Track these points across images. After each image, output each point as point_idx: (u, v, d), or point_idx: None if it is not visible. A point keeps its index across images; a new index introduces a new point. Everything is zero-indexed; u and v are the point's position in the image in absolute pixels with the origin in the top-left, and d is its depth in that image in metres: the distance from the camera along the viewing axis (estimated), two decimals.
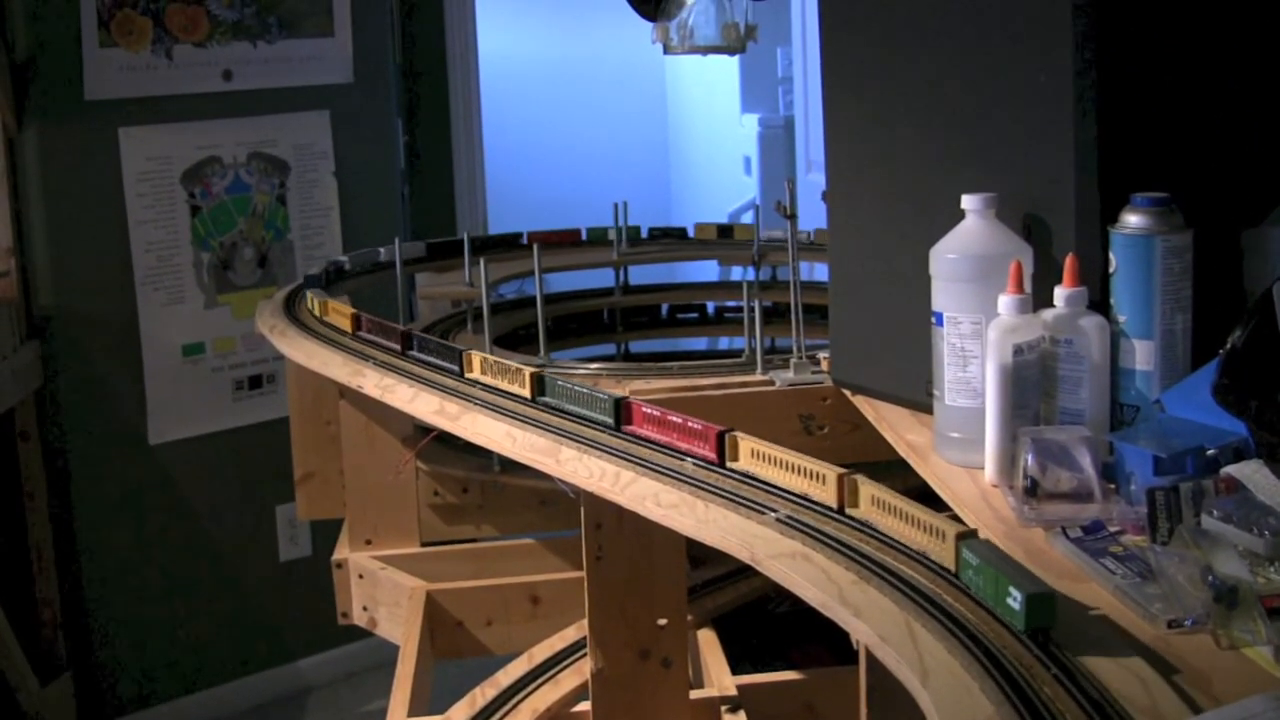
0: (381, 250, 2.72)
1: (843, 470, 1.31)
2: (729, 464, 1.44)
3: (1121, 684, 0.94)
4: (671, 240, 3.00)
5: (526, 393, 1.73)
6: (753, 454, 1.42)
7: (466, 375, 1.85)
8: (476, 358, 1.84)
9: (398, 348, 2.00)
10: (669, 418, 1.51)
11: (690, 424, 1.48)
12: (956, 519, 1.22)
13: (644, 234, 3.00)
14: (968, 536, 1.14)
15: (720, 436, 1.44)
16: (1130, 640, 1.01)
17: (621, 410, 1.58)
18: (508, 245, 2.89)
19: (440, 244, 2.82)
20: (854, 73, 1.65)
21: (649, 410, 1.54)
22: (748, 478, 1.41)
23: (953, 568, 1.14)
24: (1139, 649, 0.99)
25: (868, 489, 1.28)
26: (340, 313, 2.18)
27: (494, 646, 2.16)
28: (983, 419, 1.33)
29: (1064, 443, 1.26)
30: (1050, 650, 0.99)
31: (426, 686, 2.03)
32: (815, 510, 1.31)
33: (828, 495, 1.32)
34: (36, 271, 3.06)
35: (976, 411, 1.36)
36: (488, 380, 1.80)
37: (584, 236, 2.95)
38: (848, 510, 1.30)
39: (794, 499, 1.35)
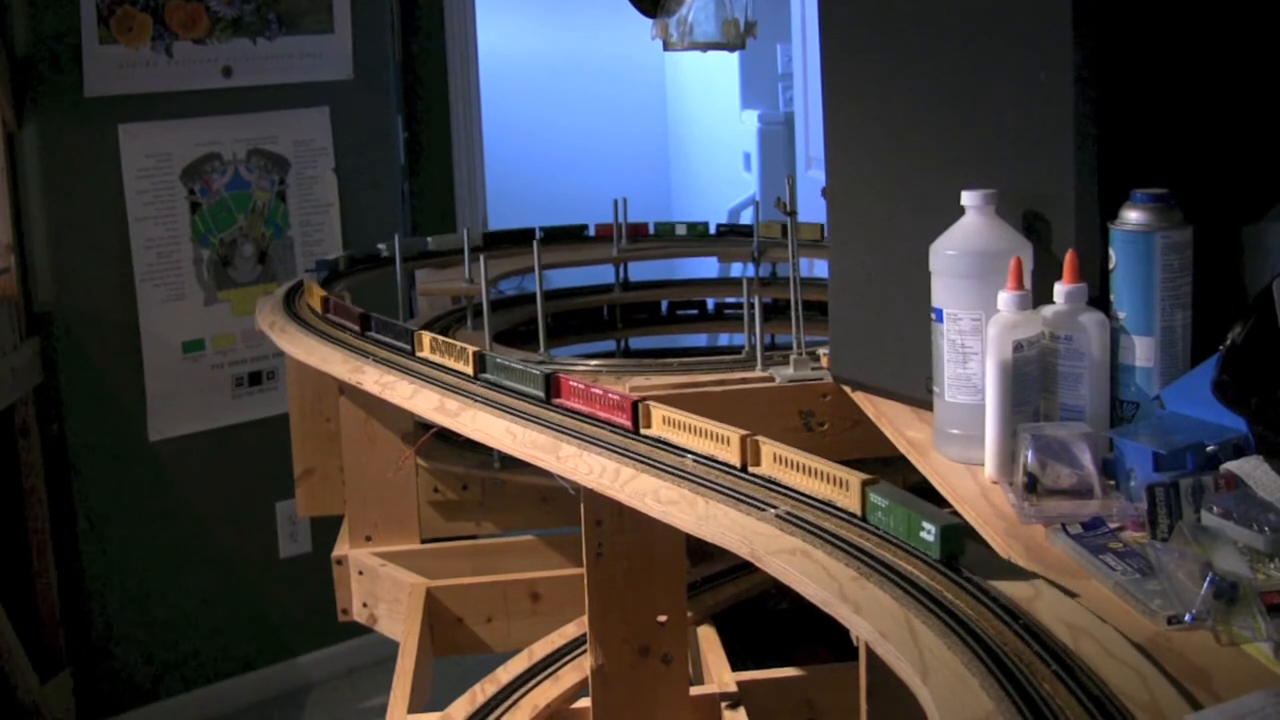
0: (430, 239, 2.78)
1: (745, 433, 1.42)
2: (643, 430, 1.56)
3: (1121, 680, 0.94)
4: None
5: (470, 370, 1.85)
6: (664, 421, 1.54)
7: (417, 354, 1.97)
8: (426, 338, 1.95)
9: (357, 328, 2.14)
10: (592, 390, 1.63)
11: (610, 395, 1.60)
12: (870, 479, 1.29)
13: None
14: (872, 483, 1.25)
15: (634, 406, 1.56)
16: (1130, 637, 1.01)
17: (551, 384, 1.70)
18: (572, 237, 2.95)
19: (502, 233, 2.87)
20: (854, 69, 1.65)
21: (575, 384, 1.67)
22: (660, 442, 1.52)
23: (859, 513, 1.25)
24: (1139, 645, 0.99)
25: (769, 448, 1.39)
26: (314, 294, 2.30)
27: (494, 643, 2.16)
28: (983, 415, 1.33)
29: (1064, 439, 1.26)
30: (1046, 643, 1.00)
31: (426, 683, 2.03)
32: (720, 469, 1.42)
33: (732, 455, 1.43)
34: (36, 268, 3.06)
35: (976, 408, 1.36)
36: (436, 359, 1.93)
37: (651, 230, 2.97)
38: (750, 468, 1.41)
39: (701, 459, 1.46)
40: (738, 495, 1.36)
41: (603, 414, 1.61)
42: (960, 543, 1.16)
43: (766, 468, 1.40)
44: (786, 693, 1.85)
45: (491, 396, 1.77)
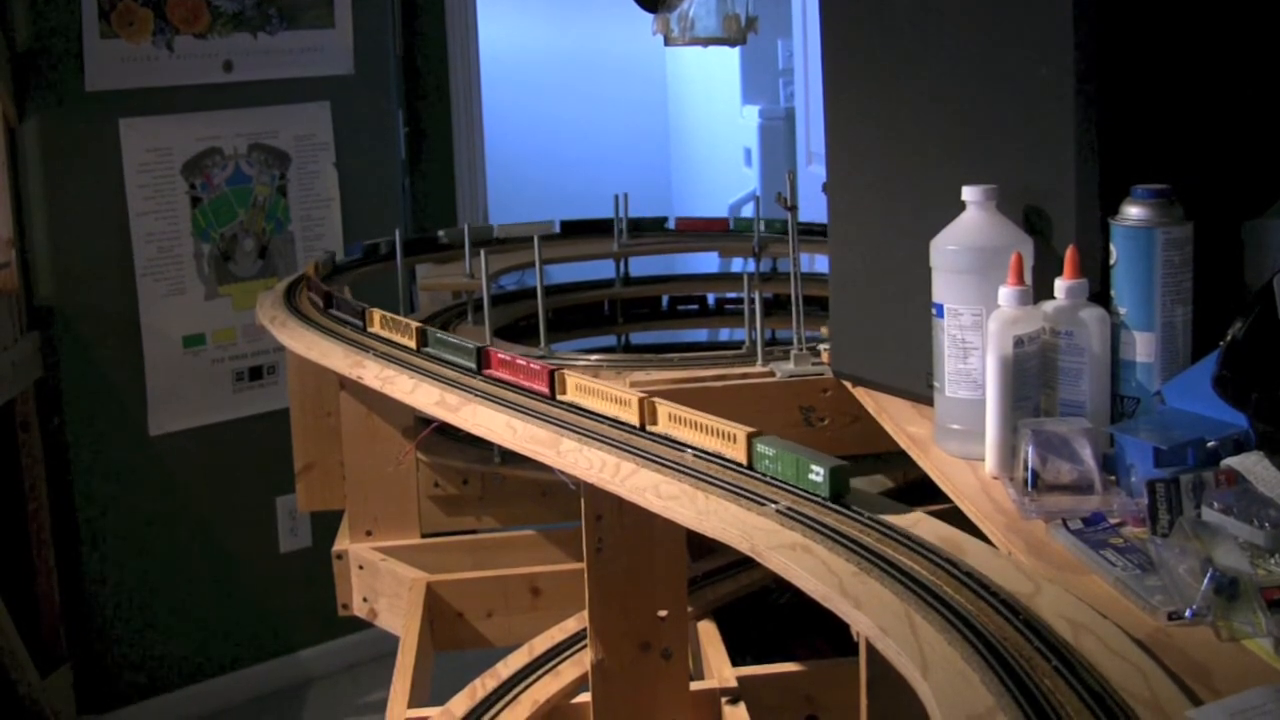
0: (495, 227, 2.82)
1: (643, 395, 1.56)
2: (558, 396, 1.71)
3: (1121, 676, 0.94)
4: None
5: (414, 344, 2.00)
6: (576, 388, 1.69)
7: (369, 330, 2.10)
8: (377, 315, 2.09)
9: (321, 304, 2.30)
10: (516, 361, 1.79)
11: (531, 365, 1.75)
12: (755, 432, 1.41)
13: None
14: (757, 434, 1.38)
15: (550, 374, 1.71)
16: (1130, 632, 1.01)
17: (482, 356, 1.86)
18: (654, 229, 2.95)
19: (579, 223, 2.89)
20: (855, 65, 1.65)
21: (502, 356, 1.83)
22: (573, 407, 1.67)
23: (746, 462, 1.39)
24: (1139, 641, 0.99)
25: (665, 408, 1.53)
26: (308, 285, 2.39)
27: (494, 638, 2.16)
28: (983, 411, 1.33)
29: (1064, 435, 1.26)
30: (1046, 638, 1.00)
31: (427, 678, 2.03)
32: (621, 428, 1.57)
33: (632, 415, 1.57)
34: (37, 263, 3.06)
35: (977, 403, 1.36)
36: (385, 334, 2.06)
37: (731, 226, 2.97)
38: (649, 427, 1.55)
39: (604, 420, 1.61)
40: (738, 490, 1.36)
41: (525, 382, 1.76)
42: (846, 482, 1.30)
43: (663, 425, 1.54)
44: (787, 688, 1.85)
45: (435, 369, 1.91)
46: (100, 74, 3.05)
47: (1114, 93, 1.33)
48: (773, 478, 1.36)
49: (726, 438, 1.42)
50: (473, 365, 1.87)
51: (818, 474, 1.31)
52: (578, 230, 2.94)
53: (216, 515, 3.37)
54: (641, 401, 1.55)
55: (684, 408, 1.51)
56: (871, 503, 1.30)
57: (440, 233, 2.84)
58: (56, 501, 3.11)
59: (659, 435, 1.53)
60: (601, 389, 1.64)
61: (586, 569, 1.66)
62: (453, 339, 1.94)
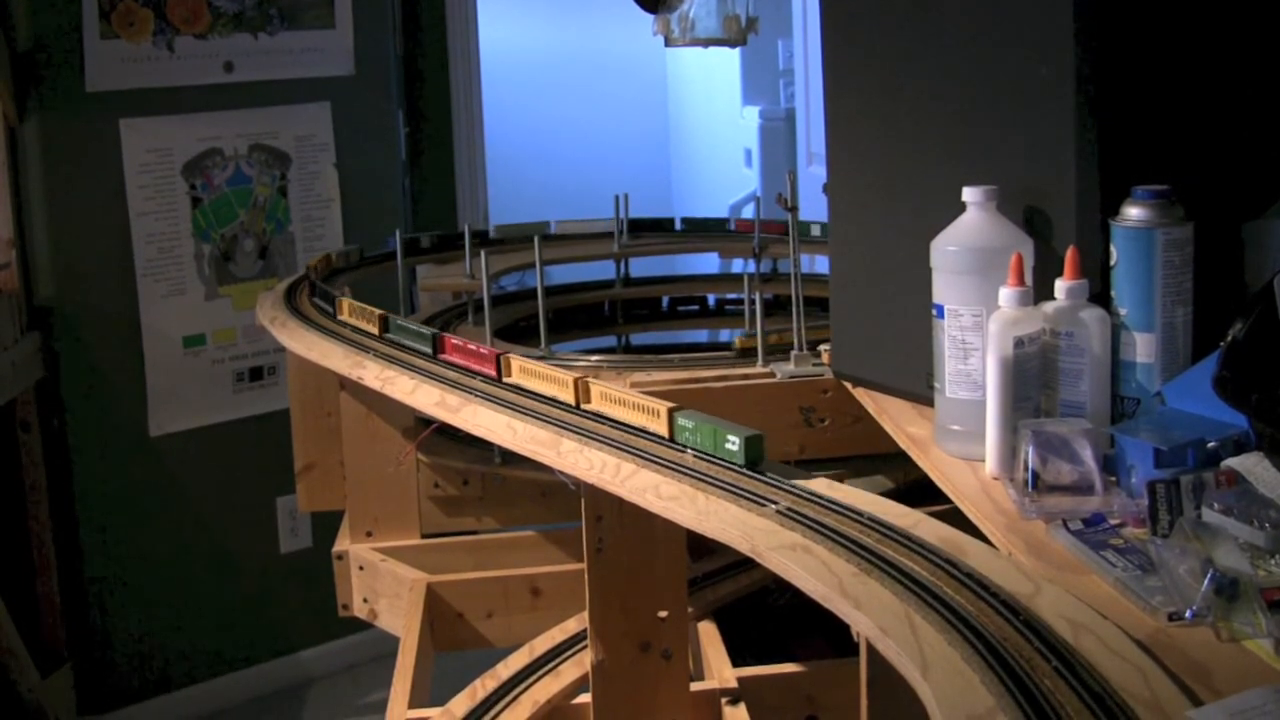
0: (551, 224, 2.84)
1: (578, 375, 1.67)
2: (505, 379, 1.81)
3: (1121, 676, 0.94)
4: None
5: (376, 330, 2.10)
6: (520, 370, 1.79)
7: (338, 318, 2.21)
8: (345, 303, 2.20)
9: (306, 292, 2.42)
10: (468, 346, 1.89)
11: (481, 350, 1.85)
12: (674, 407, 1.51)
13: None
14: (678, 409, 1.48)
15: (497, 358, 1.81)
16: (1130, 633, 1.01)
17: (437, 342, 1.95)
18: (714, 229, 2.98)
19: (643, 221, 2.90)
20: (855, 65, 1.65)
21: (455, 342, 1.92)
22: (517, 388, 1.77)
23: (667, 435, 1.49)
24: (1139, 642, 1.00)
25: (598, 387, 1.64)
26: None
27: (495, 638, 2.16)
28: (983, 411, 1.33)
29: (1065, 435, 1.26)
30: (1046, 639, 1.00)
31: (427, 678, 2.03)
32: (559, 406, 1.67)
33: (568, 395, 1.67)
34: (37, 263, 3.06)
35: (977, 404, 1.36)
36: (352, 321, 2.16)
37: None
38: (583, 405, 1.65)
39: (543, 399, 1.71)
40: (738, 491, 1.36)
41: (475, 365, 1.87)
42: (761, 451, 1.40)
43: (596, 404, 1.64)
44: (787, 688, 1.85)
45: (395, 353, 2.03)
46: (101, 74, 3.05)
47: (1114, 93, 1.33)
48: (693, 448, 1.46)
49: (650, 413, 1.52)
50: (429, 350, 1.96)
51: (733, 443, 1.41)
52: (640, 228, 2.96)
53: (217, 516, 3.37)
54: (576, 381, 1.66)
55: (614, 387, 1.62)
56: (784, 471, 1.39)
57: (492, 228, 2.89)
58: (57, 502, 3.11)
59: (592, 412, 1.63)
60: (542, 370, 1.74)
61: (587, 569, 1.66)
62: (411, 325, 2.04)
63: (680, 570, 1.72)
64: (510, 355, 1.81)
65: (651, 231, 2.98)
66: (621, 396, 1.58)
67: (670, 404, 1.49)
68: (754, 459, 1.40)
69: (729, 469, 1.44)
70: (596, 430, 1.54)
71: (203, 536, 3.35)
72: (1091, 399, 1.32)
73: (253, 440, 3.36)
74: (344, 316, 2.19)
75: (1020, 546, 1.19)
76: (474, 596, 2.16)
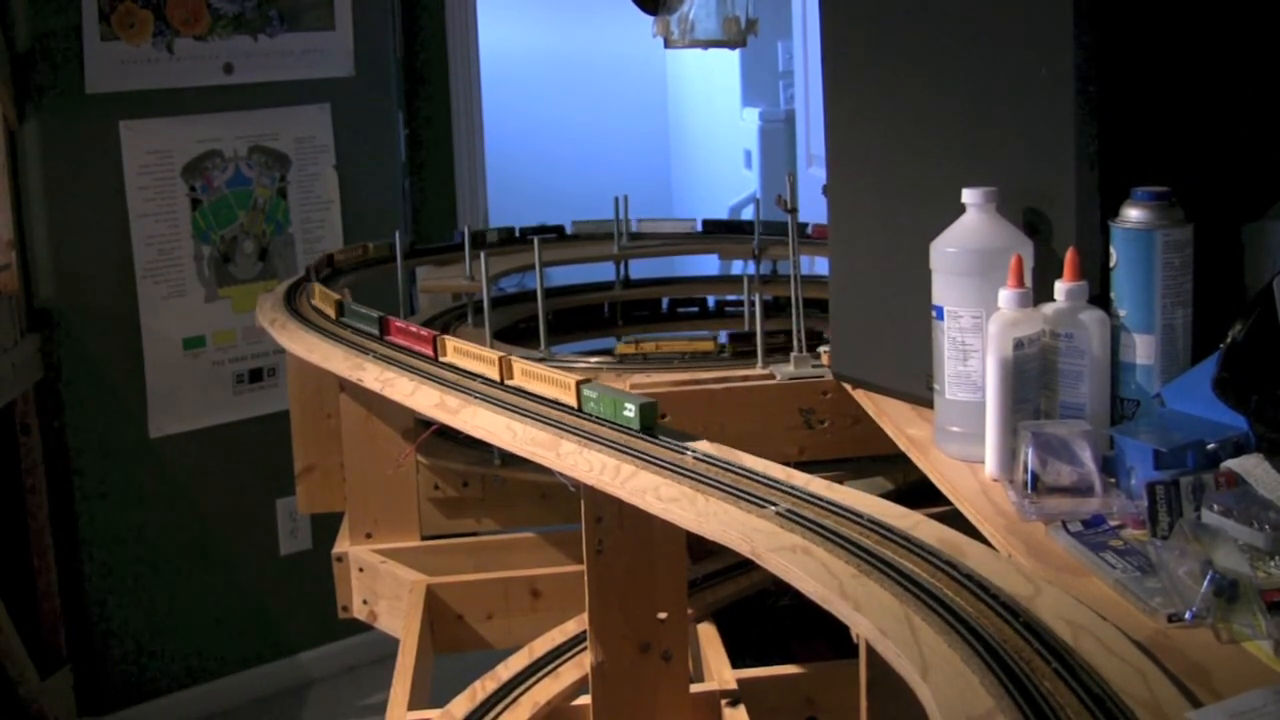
0: (639, 222, 2.88)
1: (501, 354, 1.81)
2: (440, 358, 1.94)
3: (1121, 678, 0.94)
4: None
5: (334, 314, 2.24)
6: (454, 350, 1.93)
7: (312, 303, 2.36)
8: (317, 288, 2.35)
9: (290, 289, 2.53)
10: (409, 329, 2.03)
11: (420, 332, 1.99)
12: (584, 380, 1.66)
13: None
14: (585, 382, 1.64)
15: (434, 339, 1.95)
16: (1130, 634, 1.01)
17: (383, 324, 2.09)
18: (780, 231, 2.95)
19: (721, 223, 2.93)
20: (855, 67, 1.65)
21: (398, 324, 2.06)
22: (453, 367, 1.90)
23: (576, 405, 1.64)
24: (1139, 643, 0.99)
25: (519, 365, 1.78)
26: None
27: (494, 640, 2.16)
28: (983, 413, 1.33)
29: (1064, 437, 1.26)
30: (1046, 640, 1.00)
31: (427, 680, 2.03)
32: (487, 383, 1.81)
33: (494, 371, 1.81)
34: (37, 265, 3.06)
35: (977, 405, 1.36)
36: (319, 305, 2.32)
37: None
38: (506, 380, 1.80)
39: (473, 376, 1.85)
40: (738, 493, 1.36)
41: (415, 346, 2.00)
42: (654, 417, 1.56)
43: (518, 379, 1.78)
44: (787, 690, 1.85)
45: (347, 335, 2.16)
46: (100, 76, 3.05)
47: (1114, 95, 1.33)
48: (598, 416, 1.61)
49: (561, 385, 1.68)
50: (376, 332, 2.10)
51: (629, 410, 1.56)
52: (719, 230, 2.98)
53: (217, 517, 3.37)
54: (500, 359, 1.81)
55: (533, 364, 1.77)
56: (678, 435, 1.54)
57: (570, 225, 2.93)
58: (57, 503, 3.11)
59: (514, 387, 1.78)
60: (471, 350, 1.89)
61: (586, 571, 1.66)
62: (361, 309, 2.17)
63: (680, 572, 1.72)
64: (445, 337, 1.94)
65: (733, 233, 2.98)
66: (538, 372, 1.74)
67: (578, 377, 1.66)
68: (648, 424, 1.55)
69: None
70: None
71: (203, 538, 3.35)
72: (1091, 400, 1.32)
73: (253, 442, 3.36)
74: (316, 301, 2.34)
75: (1020, 548, 1.19)
76: (474, 598, 2.16)
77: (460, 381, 1.85)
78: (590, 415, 1.62)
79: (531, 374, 1.75)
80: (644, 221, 2.99)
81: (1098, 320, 1.31)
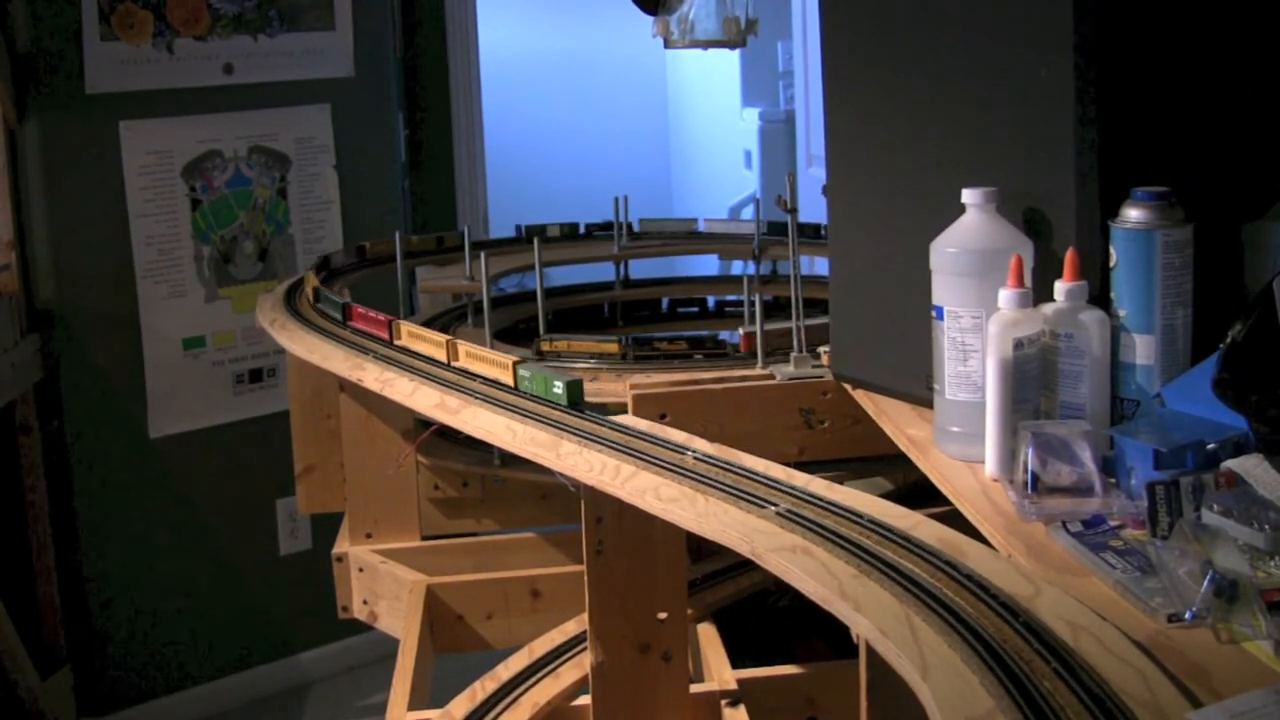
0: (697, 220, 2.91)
1: (449, 337, 1.93)
2: (395, 341, 2.06)
3: (1121, 678, 0.94)
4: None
5: (311, 298, 2.37)
6: (408, 334, 2.05)
7: (299, 295, 2.46)
8: (309, 275, 2.48)
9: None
10: (369, 314, 2.15)
11: (378, 317, 2.11)
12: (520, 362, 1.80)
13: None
14: (521, 362, 1.78)
15: (389, 324, 2.08)
16: (1130, 635, 1.01)
17: (346, 310, 2.21)
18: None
19: (779, 225, 2.89)
20: (855, 67, 1.65)
21: (360, 310, 2.18)
22: (406, 350, 2.02)
23: (513, 384, 1.77)
24: (1139, 643, 0.99)
25: (464, 348, 1.92)
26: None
27: (494, 640, 2.16)
28: (983, 413, 1.33)
29: (1064, 437, 1.26)
30: (1046, 641, 1.00)
31: (427, 680, 2.03)
32: (433, 363, 1.93)
33: (442, 354, 1.93)
34: (37, 265, 3.06)
35: (977, 406, 1.36)
36: (308, 291, 2.42)
37: None
38: (453, 362, 1.92)
39: (424, 358, 1.97)
40: (738, 493, 1.36)
41: (373, 330, 2.12)
42: (580, 394, 1.70)
43: (463, 361, 1.91)
44: (786, 690, 1.85)
45: (317, 320, 2.29)
46: (100, 76, 3.05)
47: (1114, 95, 1.33)
48: (531, 394, 1.74)
49: (500, 366, 1.81)
50: (340, 317, 2.22)
51: (558, 387, 1.69)
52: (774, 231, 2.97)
53: (217, 517, 3.37)
54: (448, 343, 1.92)
55: (479, 347, 1.90)
56: (603, 409, 1.67)
57: (637, 221, 2.94)
58: (56, 504, 3.11)
59: (459, 368, 1.90)
60: (423, 334, 2.00)
61: (586, 571, 1.66)
62: (332, 296, 2.29)
63: (680, 572, 1.72)
64: (400, 322, 2.07)
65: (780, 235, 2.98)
66: (481, 354, 1.87)
67: (516, 358, 1.80)
68: (574, 400, 1.69)
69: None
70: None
71: (202, 538, 3.35)
72: (1091, 401, 1.32)
73: (253, 442, 3.36)
74: (307, 291, 2.43)
75: (1020, 548, 1.19)
76: (474, 598, 2.16)
77: (411, 363, 1.96)
78: (526, 393, 1.75)
79: (475, 355, 1.88)
80: (646, 221, 2.99)
81: (1098, 320, 1.31)
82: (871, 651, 1.27)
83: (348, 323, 2.19)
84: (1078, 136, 1.34)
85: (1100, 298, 1.33)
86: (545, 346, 2.15)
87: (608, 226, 2.96)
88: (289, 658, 3.52)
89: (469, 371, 1.88)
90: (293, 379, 2.40)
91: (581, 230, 2.99)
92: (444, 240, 2.87)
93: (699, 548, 1.98)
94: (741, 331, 2.06)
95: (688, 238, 3.01)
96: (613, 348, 2.11)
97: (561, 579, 2.14)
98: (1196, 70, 1.37)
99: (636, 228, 3.00)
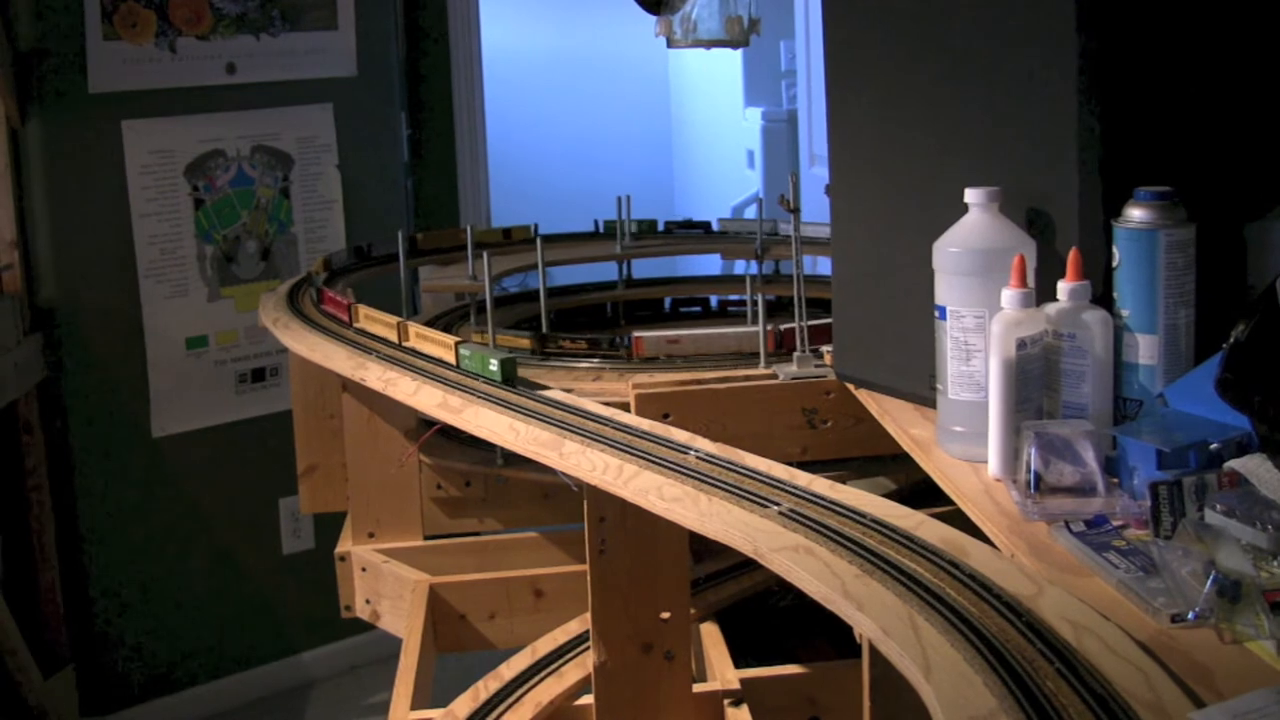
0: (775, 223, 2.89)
1: (400, 320, 2.07)
2: (354, 324, 2.18)
3: (1124, 678, 0.94)
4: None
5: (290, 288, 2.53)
6: (365, 316, 2.17)
7: (296, 295, 2.54)
8: (319, 261, 2.63)
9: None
10: (335, 299, 2.28)
11: (343, 300, 2.24)
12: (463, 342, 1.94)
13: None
14: (462, 342, 1.92)
15: (349, 307, 2.21)
16: (1133, 635, 1.01)
17: (319, 295, 2.37)
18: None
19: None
20: (857, 66, 1.65)
21: (329, 294, 2.32)
22: (362, 331, 2.15)
23: (455, 363, 1.92)
24: (1142, 643, 0.99)
25: (414, 329, 2.05)
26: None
27: (497, 640, 2.16)
28: (986, 413, 1.33)
29: (1067, 437, 1.26)
30: (1049, 641, 1.00)
31: (429, 680, 2.03)
32: (388, 345, 2.07)
33: (393, 335, 2.06)
34: (40, 264, 3.06)
35: (980, 405, 1.36)
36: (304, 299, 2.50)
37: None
38: (404, 343, 2.05)
39: (378, 340, 2.10)
40: (741, 492, 1.36)
41: (335, 312, 2.26)
42: (514, 371, 1.84)
43: (413, 341, 2.04)
44: (789, 690, 1.85)
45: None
46: (103, 75, 3.05)
47: (1117, 94, 1.33)
48: (470, 371, 1.89)
49: (444, 346, 1.95)
50: (315, 301, 2.39)
51: (493, 365, 1.83)
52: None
53: (219, 517, 3.37)
54: (399, 324, 2.06)
55: (428, 329, 2.04)
56: (535, 386, 1.82)
57: (715, 221, 2.97)
58: (59, 503, 3.11)
59: (409, 348, 2.03)
60: (377, 316, 2.13)
61: (589, 571, 1.66)
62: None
63: (683, 572, 1.72)
64: (359, 306, 2.19)
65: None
66: (430, 335, 2.00)
67: (457, 339, 1.94)
68: (508, 377, 1.83)
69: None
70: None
71: (205, 538, 3.35)
72: (1094, 400, 1.32)
73: (255, 441, 3.36)
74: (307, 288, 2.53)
75: (1022, 548, 1.19)
76: (476, 598, 2.16)
77: (367, 343, 2.10)
78: (467, 371, 1.89)
79: (422, 336, 2.02)
80: (647, 222, 2.99)
81: (1100, 320, 1.31)
82: (874, 651, 1.27)
83: (319, 306, 2.35)
84: (1080, 136, 1.34)
85: (1103, 297, 1.33)
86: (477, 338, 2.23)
87: (689, 225, 3.00)
88: (292, 657, 3.52)
89: (417, 351, 2.02)
90: (295, 378, 2.40)
91: (661, 226, 3.01)
92: (510, 233, 2.89)
93: (702, 547, 1.98)
94: (635, 335, 2.13)
95: (689, 238, 3.00)
96: (525, 343, 2.15)
97: (564, 578, 2.14)
98: (1199, 69, 1.37)
99: (661, 227, 3.01)
